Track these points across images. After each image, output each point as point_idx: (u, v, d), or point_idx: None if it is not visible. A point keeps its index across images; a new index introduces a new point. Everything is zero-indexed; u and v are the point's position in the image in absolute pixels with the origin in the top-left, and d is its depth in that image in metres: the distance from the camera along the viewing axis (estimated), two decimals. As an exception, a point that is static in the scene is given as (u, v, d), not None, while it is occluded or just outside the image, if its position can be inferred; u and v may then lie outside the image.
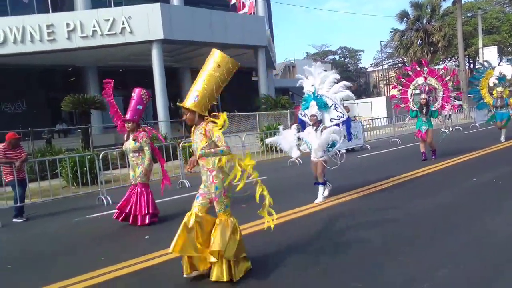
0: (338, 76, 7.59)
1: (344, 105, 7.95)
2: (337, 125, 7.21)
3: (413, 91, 11.49)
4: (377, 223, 5.84)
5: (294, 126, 7.59)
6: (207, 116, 4.23)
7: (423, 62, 12.84)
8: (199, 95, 4.19)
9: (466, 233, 5.12)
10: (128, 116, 6.93)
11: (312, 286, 4.00)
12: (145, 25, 20.72)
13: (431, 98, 11.17)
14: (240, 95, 28.10)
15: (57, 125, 24.69)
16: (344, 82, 7.64)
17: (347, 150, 15.24)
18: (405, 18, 40.24)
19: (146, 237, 6.20)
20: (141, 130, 6.98)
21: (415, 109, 11.08)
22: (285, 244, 5.15)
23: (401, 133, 18.35)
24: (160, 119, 21.40)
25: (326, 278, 4.14)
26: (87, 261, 5.18)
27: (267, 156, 14.47)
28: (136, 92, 7.06)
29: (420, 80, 11.31)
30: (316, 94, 7.31)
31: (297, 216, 6.56)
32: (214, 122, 4.12)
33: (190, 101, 4.21)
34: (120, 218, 6.89)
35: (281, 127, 7.53)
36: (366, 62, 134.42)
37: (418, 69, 11.66)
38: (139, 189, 6.86)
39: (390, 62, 63.57)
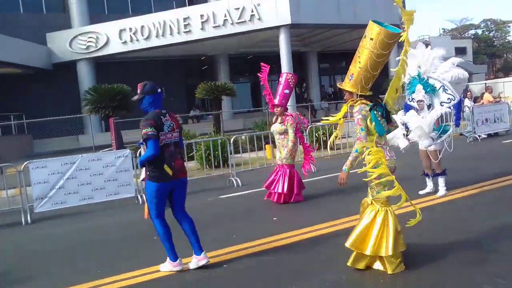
0: (443, 52, 6.73)
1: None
2: (449, 108, 6.49)
3: None
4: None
5: (400, 112, 6.90)
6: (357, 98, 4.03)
7: None
8: (354, 74, 3.99)
9: None
10: (276, 101, 7.26)
11: (460, 276, 3.78)
12: (273, 11, 21.09)
13: None
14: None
15: (191, 111, 26.53)
16: (453, 59, 6.79)
17: (489, 135, 13.83)
18: None
19: (274, 218, 6.40)
20: (288, 114, 7.27)
21: None
22: (415, 236, 4.85)
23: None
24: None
25: (468, 269, 3.90)
26: (220, 238, 5.56)
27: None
28: (283, 77, 7.36)
29: None
30: (421, 77, 6.63)
31: (430, 205, 6.17)
32: (366, 103, 3.99)
33: (345, 81, 4.08)
34: (272, 198, 7.26)
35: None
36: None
37: None
38: (284, 170, 7.17)
39: (547, 32, 55.06)
